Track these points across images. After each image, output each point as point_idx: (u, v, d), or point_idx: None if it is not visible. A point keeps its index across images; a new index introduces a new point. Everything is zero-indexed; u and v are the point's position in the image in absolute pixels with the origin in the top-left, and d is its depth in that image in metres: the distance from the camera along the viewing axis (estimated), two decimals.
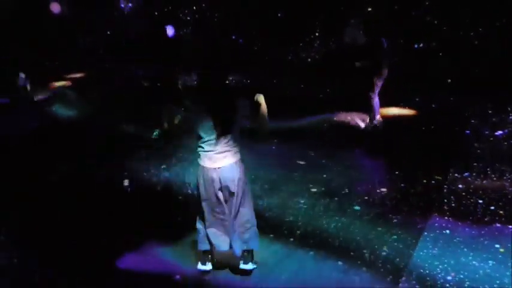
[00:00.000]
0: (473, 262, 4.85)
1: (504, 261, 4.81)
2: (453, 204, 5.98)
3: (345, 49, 10.91)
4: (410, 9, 11.23)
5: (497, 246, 5.08)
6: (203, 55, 11.33)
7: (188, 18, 14.47)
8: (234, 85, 3.68)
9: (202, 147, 4.19)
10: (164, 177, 7.23)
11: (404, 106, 9.59)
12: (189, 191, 6.50)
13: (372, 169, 7.10)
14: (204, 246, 4.59)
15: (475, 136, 8.02)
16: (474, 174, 6.72)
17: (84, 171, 7.46)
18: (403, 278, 4.64)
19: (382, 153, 7.56)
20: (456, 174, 6.72)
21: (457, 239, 5.24)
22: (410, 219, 5.66)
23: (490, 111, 9.00)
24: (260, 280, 4.67)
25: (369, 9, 10.50)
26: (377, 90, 8.29)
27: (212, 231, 4.43)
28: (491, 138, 7.93)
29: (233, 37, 13.62)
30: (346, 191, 6.46)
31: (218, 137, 4.11)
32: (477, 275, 4.66)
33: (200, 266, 4.71)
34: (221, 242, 4.44)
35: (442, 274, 4.69)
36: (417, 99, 9.89)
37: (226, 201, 4.32)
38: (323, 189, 6.54)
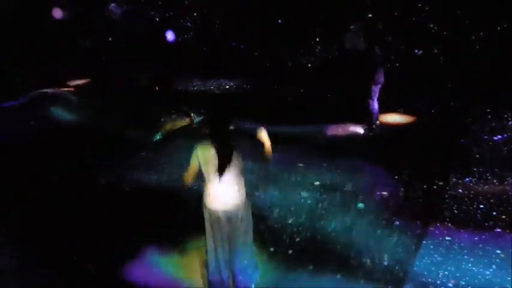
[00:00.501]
0: (474, 268, 4.84)
1: (505, 267, 4.81)
2: (454, 210, 5.97)
3: (345, 55, 10.93)
4: (411, 14, 11.24)
5: (498, 251, 5.07)
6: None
7: (189, 24, 14.49)
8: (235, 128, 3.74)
9: (208, 190, 4.20)
10: (164, 178, 7.21)
11: (404, 112, 9.58)
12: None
13: (371, 175, 7.07)
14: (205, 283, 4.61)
15: (475, 141, 8.02)
16: (475, 179, 6.73)
17: (85, 172, 7.44)
18: (405, 286, 4.65)
19: (381, 158, 7.53)
20: (457, 180, 6.72)
21: (458, 244, 5.24)
22: (411, 225, 5.65)
23: (489, 116, 9.00)
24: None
25: (370, 15, 10.52)
26: (375, 97, 8.29)
27: (213, 270, 4.43)
28: (491, 143, 7.93)
29: (234, 43, 13.65)
30: (347, 194, 6.47)
31: (223, 178, 4.11)
32: (478, 281, 4.65)
33: None
34: (222, 275, 4.43)
35: (444, 280, 4.69)
36: (418, 104, 9.88)
37: (229, 238, 4.32)
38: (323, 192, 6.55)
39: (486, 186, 6.51)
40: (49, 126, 9.68)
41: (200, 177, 4.23)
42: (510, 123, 8.72)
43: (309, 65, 12.64)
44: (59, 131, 9.44)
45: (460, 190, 6.45)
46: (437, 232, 5.49)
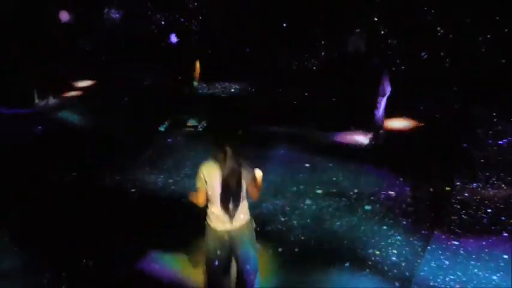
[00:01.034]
0: (481, 273, 4.79)
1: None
2: (460, 214, 5.92)
3: (348, 58, 10.91)
4: (415, 17, 11.22)
5: (505, 256, 5.02)
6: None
7: (194, 27, 14.47)
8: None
9: (213, 210, 4.15)
10: (167, 178, 7.16)
11: (408, 115, 9.52)
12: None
13: (377, 178, 7.02)
14: None
15: (481, 145, 7.97)
16: (482, 184, 6.67)
17: (87, 172, 7.37)
18: None
19: (387, 162, 7.47)
20: (464, 184, 6.67)
21: (465, 249, 5.19)
22: (418, 230, 5.60)
23: (495, 120, 8.96)
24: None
25: (374, 18, 10.51)
26: (380, 108, 8.17)
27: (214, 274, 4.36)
28: (497, 147, 7.89)
29: (237, 47, 13.63)
30: (353, 197, 6.42)
31: (228, 200, 4.06)
32: (485, 286, 4.60)
33: None
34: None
35: (450, 285, 4.64)
36: (422, 107, 9.84)
37: (231, 260, 4.28)
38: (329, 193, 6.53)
39: (493, 191, 6.46)
40: (51, 126, 9.63)
41: (207, 200, 4.17)
42: None
43: (314, 68, 12.62)
44: (60, 131, 9.40)
45: (467, 194, 6.40)
46: (444, 237, 5.44)
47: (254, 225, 4.34)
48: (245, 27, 13.34)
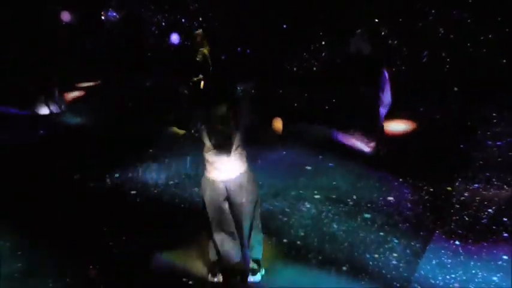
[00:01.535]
0: (481, 273, 4.79)
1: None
2: (461, 215, 5.92)
3: (350, 59, 10.86)
4: (416, 19, 11.22)
5: (505, 257, 5.02)
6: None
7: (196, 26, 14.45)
8: (237, 94, 3.68)
9: (208, 158, 4.11)
10: (168, 176, 7.19)
11: (407, 116, 9.51)
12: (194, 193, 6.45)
13: (377, 179, 7.03)
14: (213, 257, 4.53)
15: (481, 146, 7.95)
16: (482, 184, 6.66)
17: (86, 172, 7.37)
18: None
19: (387, 164, 7.48)
20: (464, 185, 6.66)
21: (465, 249, 5.19)
22: (418, 230, 5.61)
23: (495, 120, 8.96)
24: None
25: (376, 20, 10.48)
26: (382, 117, 8.12)
27: (220, 243, 4.36)
28: (497, 148, 7.88)
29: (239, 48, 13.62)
30: (354, 198, 6.43)
31: (223, 147, 4.02)
32: (485, 286, 4.61)
33: (210, 278, 4.63)
34: (229, 253, 4.37)
35: (450, 285, 4.65)
36: (421, 109, 9.85)
37: (232, 211, 4.23)
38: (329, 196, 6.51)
39: (494, 191, 6.45)
40: (51, 127, 9.64)
41: (201, 147, 4.14)
42: None
43: (314, 69, 12.60)
44: (60, 131, 9.41)
45: (467, 194, 6.40)
46: (444, 237, 5.44)
47: (254, 179, 4.26)
48: (245, 28, 13.33)
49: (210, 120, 4.00)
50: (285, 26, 12.62)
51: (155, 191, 6.78)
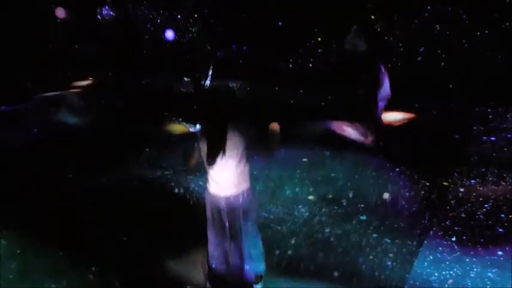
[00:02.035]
0: (477, 269, 4.83)
1: (507, 268, 4.79)
2: (457, 210, 5.96)
3: (346, 56, 10.87)
4: (412, 16, 11.22)
5: (500, 253, 5.07)
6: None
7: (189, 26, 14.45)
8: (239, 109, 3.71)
9: (211, 174, 4.15)
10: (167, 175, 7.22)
11: (404, 111, 9.55)
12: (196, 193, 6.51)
13: (373, 175, 7.07)
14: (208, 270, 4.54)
15: (477, 142, 8.01)
16: (478, 180, 6.70)
17: (85, 172, 7.39)
18: (407, 286, 4.65)
19: (383, 159, 7.52)
20: (460, 181, 6.71)
21: (461, 245, 5.24)
22: (413, 226, 5.66)
23: (491, 116, 9.02)
24: None
25: (372, 16, 10.49)
26: (381, 109, 8.15)
27: (215, 255, 4.37)
28: (494, 144, 7.91)
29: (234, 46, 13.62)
30: (350, 196, 6.47)
31: (226, 164, 4.06)
32: (481, 282, 4.65)
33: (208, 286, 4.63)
34: (223, 267, 4.37)
35: (446, 281, 4.68)
36: (417, 104, 9.88)
37: (231, 227, 4.25)
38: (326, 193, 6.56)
39: (489, 187, 6.49)
40: (49, 126, 9.65)
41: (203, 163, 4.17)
42: None
43: (310, 65, 12.61)
44: (59, 131, 9.42)
45: (463, 190, 6.45)
46: (440, 233, 5.48)
47: (255, 197, 4.26)
48: (241, 26, 13.33)
49: (209, 136, 4.04)
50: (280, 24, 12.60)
51: (155, 191, 6.81)
